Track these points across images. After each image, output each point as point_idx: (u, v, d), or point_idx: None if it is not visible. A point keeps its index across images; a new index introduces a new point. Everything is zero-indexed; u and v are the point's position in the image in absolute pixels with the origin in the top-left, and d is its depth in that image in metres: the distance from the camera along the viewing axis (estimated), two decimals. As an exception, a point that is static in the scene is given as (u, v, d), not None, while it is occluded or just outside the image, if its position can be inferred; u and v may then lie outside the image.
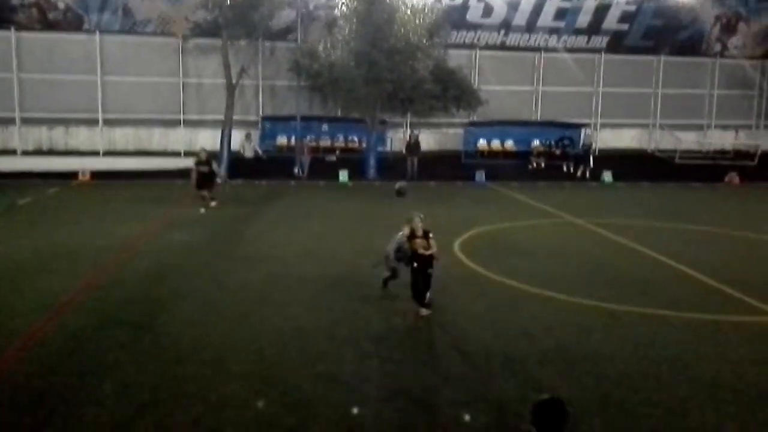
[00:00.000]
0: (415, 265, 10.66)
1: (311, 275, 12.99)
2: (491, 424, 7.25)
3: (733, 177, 30.76)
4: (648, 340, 9.77)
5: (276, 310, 10.76)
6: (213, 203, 20.24)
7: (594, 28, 33.65)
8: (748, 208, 24.24)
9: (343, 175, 28.83)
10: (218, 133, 28.93)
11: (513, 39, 33.58)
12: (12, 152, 30.01)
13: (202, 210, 19.79)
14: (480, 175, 29.16)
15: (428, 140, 32.62)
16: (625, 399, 7.83)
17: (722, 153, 34.71)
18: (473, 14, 32.59)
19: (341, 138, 32.43)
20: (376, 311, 10.88)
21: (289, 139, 31.39)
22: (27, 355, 8.80)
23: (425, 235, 10.66)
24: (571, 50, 33.79)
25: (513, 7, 32.63)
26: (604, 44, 34.11)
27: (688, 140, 34.49)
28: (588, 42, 34.04)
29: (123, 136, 31.21)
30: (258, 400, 7.57)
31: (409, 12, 27.70)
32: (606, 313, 11.05)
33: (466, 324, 10.35)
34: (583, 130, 33.47)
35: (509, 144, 33.17)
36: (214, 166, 20.73)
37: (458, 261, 14.32)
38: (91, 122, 30.82)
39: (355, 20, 27.40)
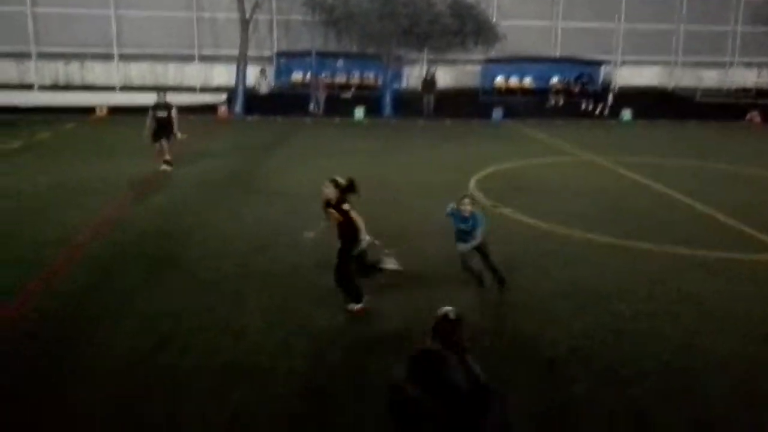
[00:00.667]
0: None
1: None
2: (507, 353, 7.40)
3: (755, 116, 30.27)
4: (662, 276, 9.82)
5: (292, 244, 10.89)
6: (165, 166, 16.55)
7: (617, -40, 32.70)
8: (769, 147, 23.94)
9: (359, 112, 28.66)
10: (233, 69, 28.74)
11: (533, -28, 32.78)
12: (29, 87, 30.06)
13: (164, 168, 16.51)
14: (497, 113, 28.90)
15: (445, 77, 32.23)
16: (637, 332, 7.94)
17: (744, 91, 34.04)
18: (493, -54, 31.74)
19: (357, 74, 32.13)
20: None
21: (304, 76, 31.16)
22: (49, 288, 9.02)
23: (338, 204, 8.36)
24: (592, -16, 32.92)
25: (534, -61, 31.73)
26: (626, -22, 33.19)
27: (709, 78, 33.82)
28: (610, -25, 33.11)
29: (138, 72, 31.11)
30: (276, 331, 7.75)
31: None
32: (622, 249, 11.08)
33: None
34: (602, 67, 32.90)
35: (527, 81, 32.73)
36: (174, 113, 16.66)
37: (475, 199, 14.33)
38: (107, 57, 30.69)
39: (370, -48, 26.80)
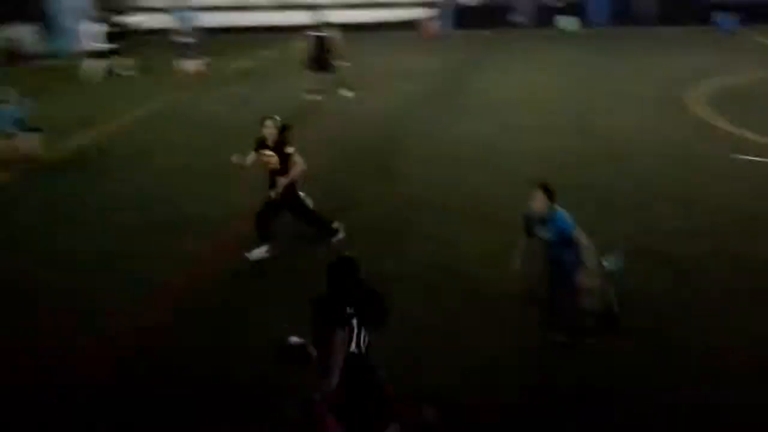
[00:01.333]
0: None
1: (535, 125, 13.30)
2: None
3: None
4: None
5: (505, 159, 11.12)
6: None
7: None
8: None
9: (568, 22, 27.42)
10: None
11: None
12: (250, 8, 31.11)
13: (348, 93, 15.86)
14: (725, 19, 25.83)
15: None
16: None
17: None
18: None
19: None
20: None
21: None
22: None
23: (279, 147, 7.41)
24: None
25: None
26: None
27: None
28: None
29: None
30: (485, 241, 7.87)
31: None
32: None
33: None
34: None
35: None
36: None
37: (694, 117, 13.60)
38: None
39: None
